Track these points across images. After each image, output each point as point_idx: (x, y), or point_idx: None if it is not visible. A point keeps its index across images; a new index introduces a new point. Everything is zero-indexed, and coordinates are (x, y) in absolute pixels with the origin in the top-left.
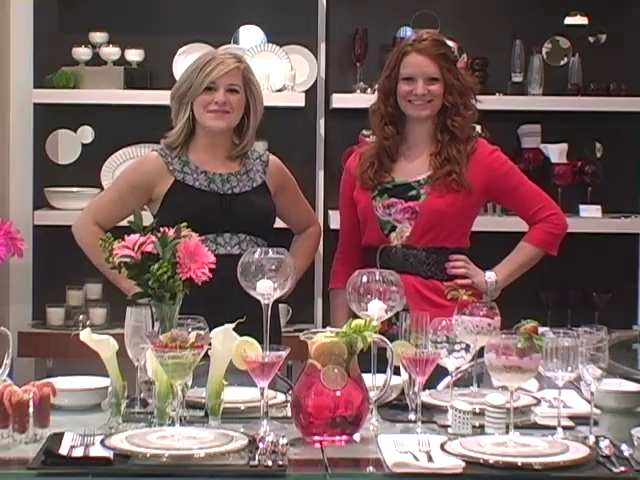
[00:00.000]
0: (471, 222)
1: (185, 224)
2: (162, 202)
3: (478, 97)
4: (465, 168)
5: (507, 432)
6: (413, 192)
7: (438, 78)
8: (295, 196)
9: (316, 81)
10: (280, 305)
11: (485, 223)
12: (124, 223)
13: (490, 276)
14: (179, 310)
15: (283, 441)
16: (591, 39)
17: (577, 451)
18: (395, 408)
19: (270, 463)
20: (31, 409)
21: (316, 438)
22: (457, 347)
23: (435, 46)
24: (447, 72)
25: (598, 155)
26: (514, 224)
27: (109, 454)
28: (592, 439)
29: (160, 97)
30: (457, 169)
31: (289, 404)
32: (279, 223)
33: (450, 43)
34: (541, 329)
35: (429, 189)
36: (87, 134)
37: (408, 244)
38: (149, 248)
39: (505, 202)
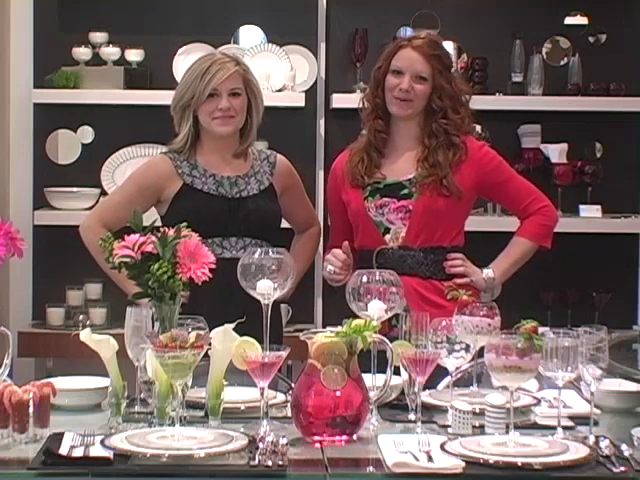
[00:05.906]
0: (464, 220)
1: (185, 224)
2: (170, 204)
3: (477, 97)
4: (453, 172)
5: (507, 432)
6: (405, 191)
7: (427, 78)
8: (299, 197)
9: (316, 81)
10: (281, 305)
11: (485, 223)
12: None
13: (488, 273)
14: (183, 312)
15: (283, 441)
16: (591, 39)
17: (577, 451)
18: (395, 408)
19: (270, 463)
20: (31, 409)
21: (316, 438)
22: (457, 347)
23: (431, 46)
24: (438, 74)
25: (598, 155)
26: (514, 224)
27: (109, 454)
28: (592, 439)
29: (160, 97)
30: (443, 174)
31: (289, 404)
32: (282, 223)
33: (450, 45)
34: (541, 329)
35: (421, 188)
36: (87, 134)
37: (405, 245)
38: (149, 248)
39: (496, 197)
